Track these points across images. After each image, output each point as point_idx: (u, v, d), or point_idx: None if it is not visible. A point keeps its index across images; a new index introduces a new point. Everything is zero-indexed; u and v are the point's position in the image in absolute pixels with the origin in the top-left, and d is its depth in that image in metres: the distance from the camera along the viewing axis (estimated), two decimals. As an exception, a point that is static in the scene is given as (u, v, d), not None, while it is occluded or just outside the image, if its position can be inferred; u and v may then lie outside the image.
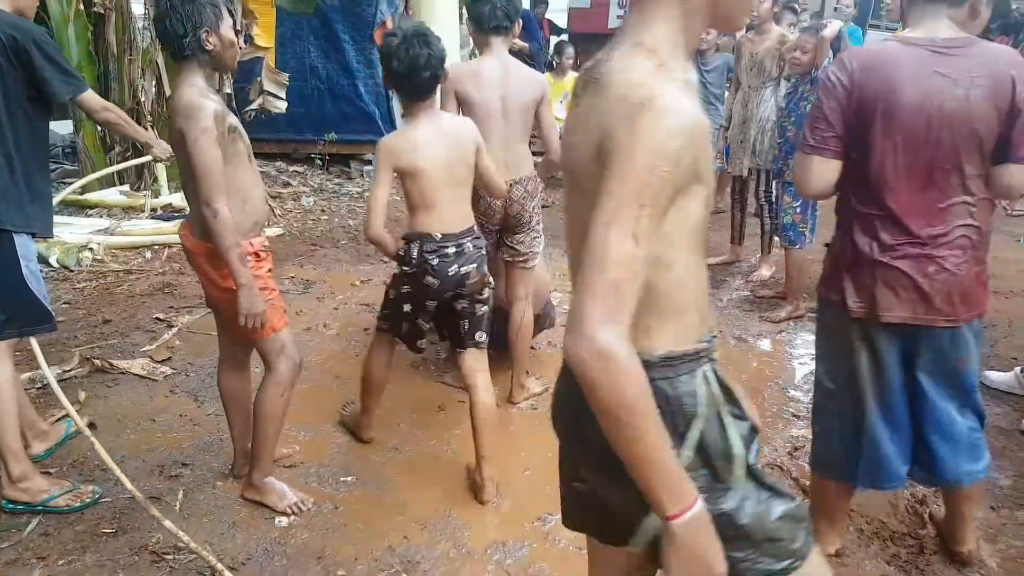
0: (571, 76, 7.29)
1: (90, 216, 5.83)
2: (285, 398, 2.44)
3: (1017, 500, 2.55)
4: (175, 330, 3.94)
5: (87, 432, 2.50)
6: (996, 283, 3.86)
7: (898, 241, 1.87)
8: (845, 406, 2.03)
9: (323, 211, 6.52)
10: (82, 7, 6.02)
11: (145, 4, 6.23)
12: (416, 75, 2.34)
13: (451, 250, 2.45)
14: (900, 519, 2.43)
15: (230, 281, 2.18)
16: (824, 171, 1.90)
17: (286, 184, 7.27)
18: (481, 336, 2.61)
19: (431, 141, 2.41)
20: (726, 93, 5.36)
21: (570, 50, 7.39)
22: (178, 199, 5.91)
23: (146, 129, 6.19)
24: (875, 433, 1.99)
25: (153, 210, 5.83)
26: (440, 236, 2.45)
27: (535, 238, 3.10)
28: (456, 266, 2.46)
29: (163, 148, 3.06)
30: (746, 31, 4.72)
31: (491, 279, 2.63)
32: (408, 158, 2.39)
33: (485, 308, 2.60)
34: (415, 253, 2.45)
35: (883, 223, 1.88)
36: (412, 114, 2.45)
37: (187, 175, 2.17)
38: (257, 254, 2.31)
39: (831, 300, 2.00)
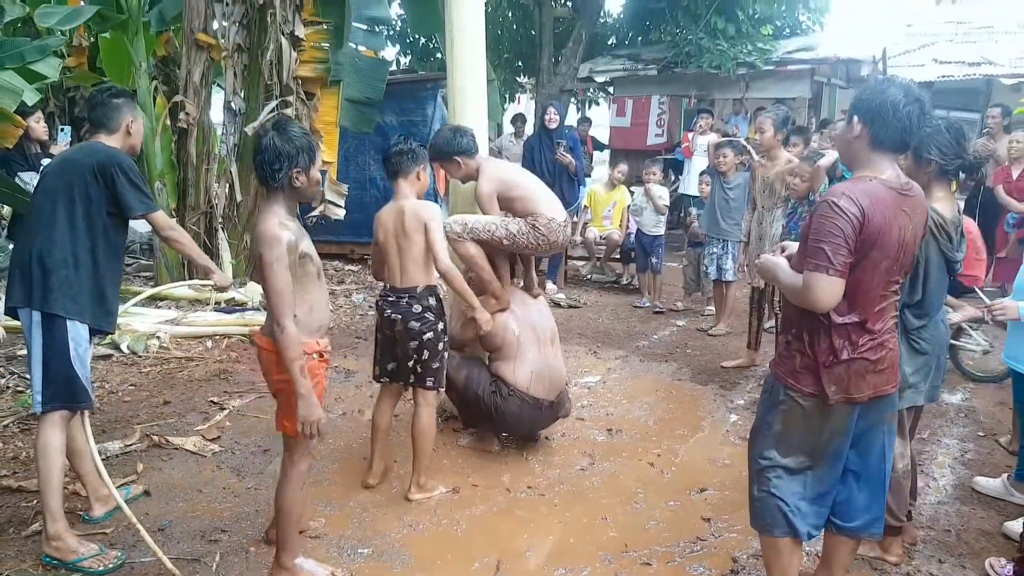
0: (621, 189, 7.80)
1: (160, 308, 6.42)
2: (303, 491, 2.75)
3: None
4: (226, 412, 4.35)
5: (124, 507, 2.87)
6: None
7: (864, 340, 2.23)
8: (795, 471, 2.34)
9: (371, 307, 7.01)
10: (168, 122, 6.84)
11: (224, 118, 7.02)
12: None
13: (391, 299, 3.32)
14: None
15: (285, 372, 2.51)
16: (839, 291, 2.15)
17: (340, 282, 7.84)
18: (429, 381, 3.36)
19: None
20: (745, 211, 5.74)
21: (623, 166, 7.95)
22: (240, 294, 6.47)
23: (217, 230, 6.91)
24: (817, 489, 2.35)
25: (217, 303, 6.39)
26: (390, 287, 3.36)
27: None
28: (389, 311, 3.31)
29: (222, 277, 3.43)
30: (758, 156, 5.14)
31: (425, 333, 3.30)
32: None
33: (430, 357, 3.32)
34: (378, 297, 3.40)
35: (854, 329, 2.23)
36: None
37: (265, 291, 2.55)
38: (321, 353, 2.66)
39: (806, 392, 2.28)
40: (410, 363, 3.36)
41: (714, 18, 10.52)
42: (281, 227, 2.49)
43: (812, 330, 2.26)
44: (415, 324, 3.30)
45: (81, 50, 7.96)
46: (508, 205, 3.73)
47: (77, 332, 2.91)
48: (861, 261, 2.15)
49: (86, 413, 3.10)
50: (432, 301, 3.34)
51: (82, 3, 6.76)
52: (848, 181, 2.23)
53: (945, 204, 2.73)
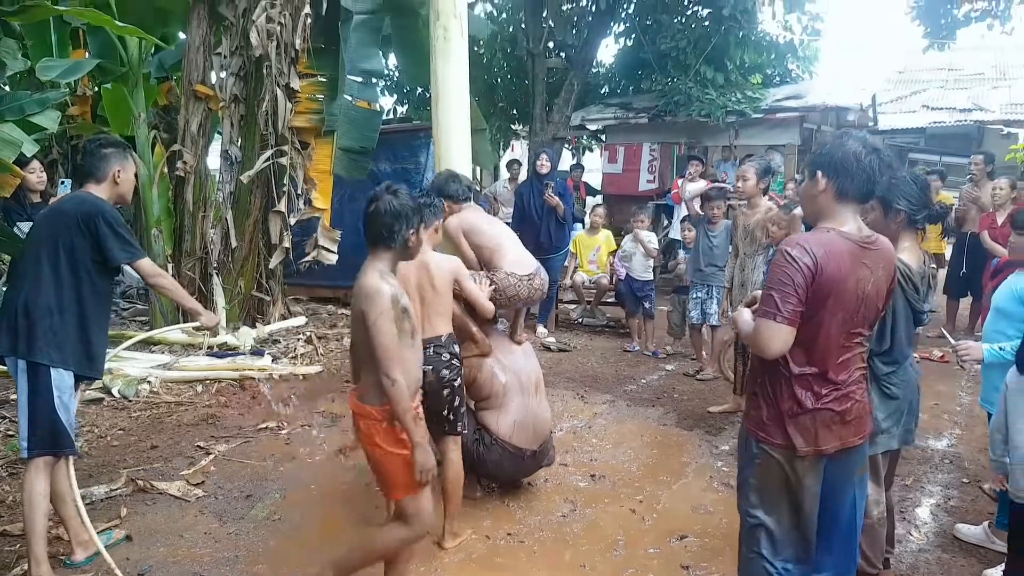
0: (603, 233, 7.95)
1: (153, 352, 6.47)
2: (392, 549, 2.74)
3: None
4: (212, 457, 4.38)
5: (104, 552, 2.89)
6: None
7: (827, 391, 2.28)
8: (776, 527, 2.35)
9: (362, 353, 7.05)
10: (166, 170, 6.98)
11: (221, 166, 7.16)
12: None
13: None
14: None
15: (388, 440, 2.55)
16: (788, 338, 2.21)
17: (332, 326, 7.89)
18: (459, 426, 3.42)
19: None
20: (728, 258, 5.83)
21: (600, 208, 8.11)
22: (233, 339, 6.52)
23: (211, 276, 7.00)
24: (802, 549, 2.37)
25: (210, 347, 6.45)
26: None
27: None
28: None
29: (209, 318, 3.50)
30: (740, 204, 5.25)
31: (455, 379, 3.36)
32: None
33: (460, 402, 3.37)
34: None
35: (816, 379, 2.27)
36: None
37: (366, 350, 2.55)
38: (416, 412, 2.68)
39: (776, 443, 2.32)
40: (444, 411, 3.36)
41: (703, 68, 10.77)
42: (383, 281, 2.55)
43: (774, 381, 2.31)
44: (446, 372, 3.34)
45: (85, 99, 8.17)
46: (475, 251, 3.84)
47: (61, 380, 2.97)
48: (817, 311, 2.21)
49: (70, 459, 3.15)
50: (456, 348, 3.42)
51: (87, 55, 6.97)
52: (807, 232, 2.31)
53: (911, 254, 2.80)
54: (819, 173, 2.28)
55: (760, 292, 2.53)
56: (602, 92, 13.55)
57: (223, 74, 6.95)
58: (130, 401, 5.28)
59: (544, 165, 7.41)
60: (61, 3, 5.00)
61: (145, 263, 3.18)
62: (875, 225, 2.63)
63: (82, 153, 3.16)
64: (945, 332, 4.29)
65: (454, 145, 4.29)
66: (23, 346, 2.92)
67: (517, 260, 3.85)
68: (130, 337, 4.97)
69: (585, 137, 14.86)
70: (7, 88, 6.68)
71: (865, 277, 2.24)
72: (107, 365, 3.31)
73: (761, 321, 2.22)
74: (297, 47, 6.70)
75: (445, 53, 4.22)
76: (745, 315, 2.37)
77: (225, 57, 6.92)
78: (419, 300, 3.33)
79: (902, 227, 2.81)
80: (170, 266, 6.83)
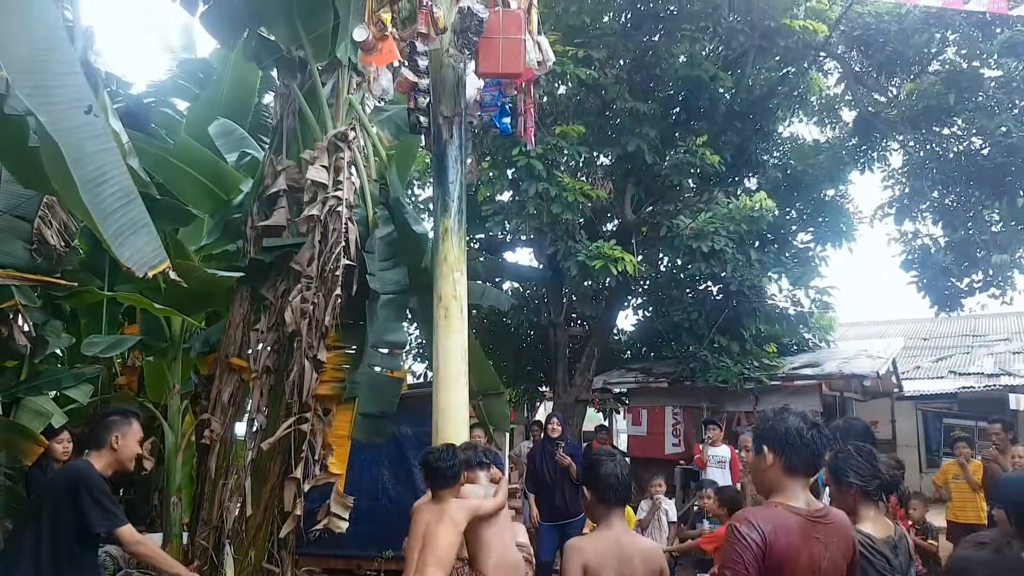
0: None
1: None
2: None
3: None
4: None
5: None
6: None
7: None
8: None
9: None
10: (193, 438, 7.27)
11: (246, 433, 7.42)
12: None
13: None
14: None
15: None
16: None
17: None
18: None
19: None
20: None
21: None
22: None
23: (224, 545, 6.93)
24: None
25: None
26: None
27: None
28: None
29: None
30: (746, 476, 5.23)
31: None
32: None
33: None
34: None
35: None
36: None
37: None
38: None
39: None
40: None
41: (717, 337, 11.20)
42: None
43: None
44: None
45: (134, 369, 8.76)
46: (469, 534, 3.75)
47: None
48: None
49: None
50: None
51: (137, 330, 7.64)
52: (756, 507, 2.36)
53: (875, 525, 2.78)
54: (765, 448, 2.39)
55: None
56: (624, 356, 14.02)
57: (259, 347, 7.49)
58: None
59: (555, 429, 7.54)
60: (111, 287, 5.67)
61: (125, 531, 3.18)
62: (834, 498, 2.67)
63: (91, 421, 3.41)
64: None
65: (451, 411, 4.52)
66: None
67: (500, 564, 3.65)
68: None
69: (609, 399, 15.09)
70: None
71: (819, 552, 2.23)
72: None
73: None
74: (327, 323, 7.28)
75: (446, 330, 4.61)
76: None
77: (262, 332, 7.51)
78: None
79: (859, 499, 2.83)
80: (185, 535, 6.83)
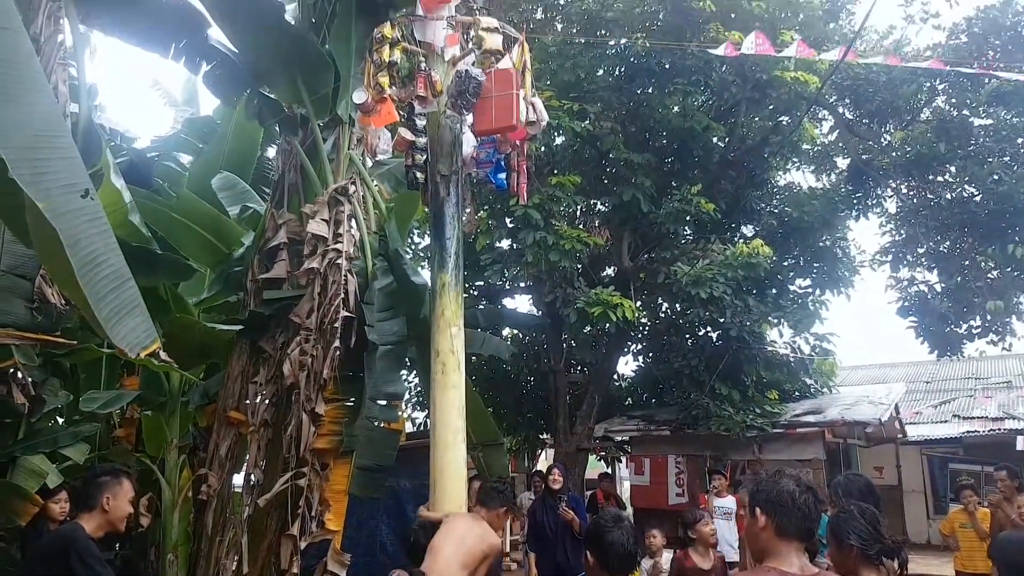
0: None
1: None
2: None
3: None
4: None
5: None
6: None
7: None
8: None
9: None
10: (190, 494, 7.20)
11: (243, 488, 7.35)
12: None
13: None
14: None
15: None
16: None
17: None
18: None
19: None
20: None
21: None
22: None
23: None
24: None
25: None
26: None
27: None
28: None
29: None
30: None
31: None
32: None
33: None
34: None
35: None
36: None
37: None
38: None
39: None
40: None
41: (718, 384, 11.16)
42: None
43: None
44: None
45: (132, 422, 8.70)
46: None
47: None
48: None
49: None
50: None
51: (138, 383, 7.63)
52: (748, 571, 2.35)
53: (873, 588, 2.76)
54: (758, 510, 2.39)
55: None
56: (625, 403, 13.96)
57: (257, 400, 7.46)
58: None
59: (557, 480, 7.46)
60: (111, 343, 5.68)
61: None
62: (833, 558, 2.65)
63: (82, 481, 3.40)
64: None
65: (450, 469, 4.48)
66: None
67: None
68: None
69: (611, 448, 14.96)
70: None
71: None
72: None
73: None
74: (325, 375, 7.26)
75: (443, 385, 4.60)
76: None
77: (260, 385, 7.49)
78: None
79: (859, 562, 2.81)
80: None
